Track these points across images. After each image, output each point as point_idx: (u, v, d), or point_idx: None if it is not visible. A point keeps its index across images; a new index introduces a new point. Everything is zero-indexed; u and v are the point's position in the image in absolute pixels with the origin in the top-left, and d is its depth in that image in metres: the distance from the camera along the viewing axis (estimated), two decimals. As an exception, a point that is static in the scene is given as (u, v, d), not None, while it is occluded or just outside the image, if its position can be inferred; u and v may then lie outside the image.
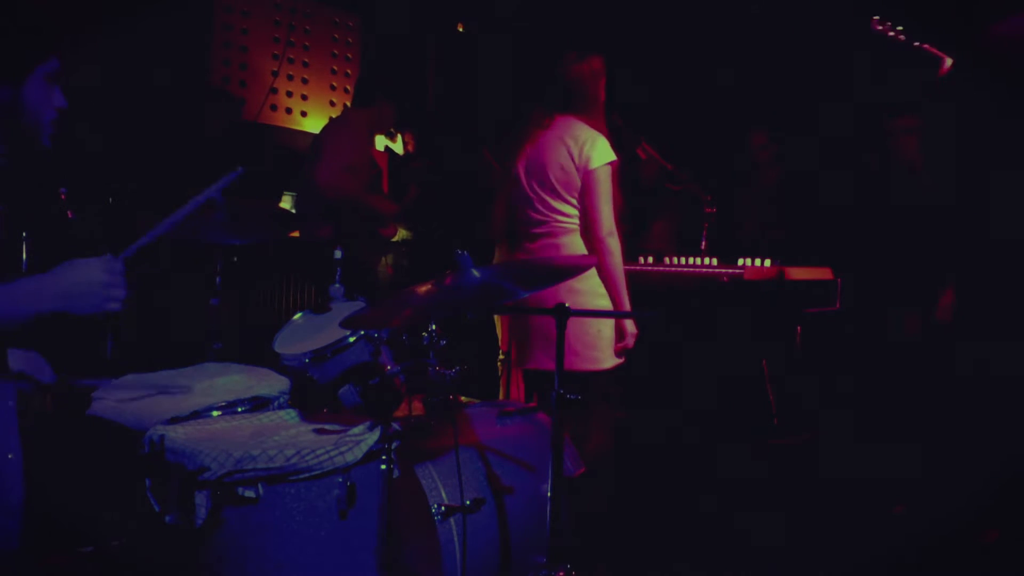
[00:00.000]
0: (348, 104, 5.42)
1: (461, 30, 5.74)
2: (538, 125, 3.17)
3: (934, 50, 2.66)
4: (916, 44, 2.66)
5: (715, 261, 3.78)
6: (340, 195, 4.12)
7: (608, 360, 3.08)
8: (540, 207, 3.10)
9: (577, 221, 3.10)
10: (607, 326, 3.08)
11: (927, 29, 2.70)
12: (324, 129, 4.40)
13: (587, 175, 3.03)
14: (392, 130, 5.31)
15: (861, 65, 3.99)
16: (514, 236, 3.23)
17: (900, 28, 2.67)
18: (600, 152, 3.04)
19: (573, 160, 3.04)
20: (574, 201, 3.07)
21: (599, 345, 3.05)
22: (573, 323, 2.99)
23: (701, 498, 3.46)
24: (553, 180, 3.06)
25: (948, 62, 2.65)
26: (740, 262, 3.68)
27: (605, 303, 3.06)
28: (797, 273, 3.71)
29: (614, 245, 3.06)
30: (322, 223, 4.13)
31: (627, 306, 3.10)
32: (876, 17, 2.68)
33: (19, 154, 1.69)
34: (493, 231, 3.41)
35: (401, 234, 5.12)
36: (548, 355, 3.08)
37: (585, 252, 3.09)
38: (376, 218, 4.35)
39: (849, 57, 4.35)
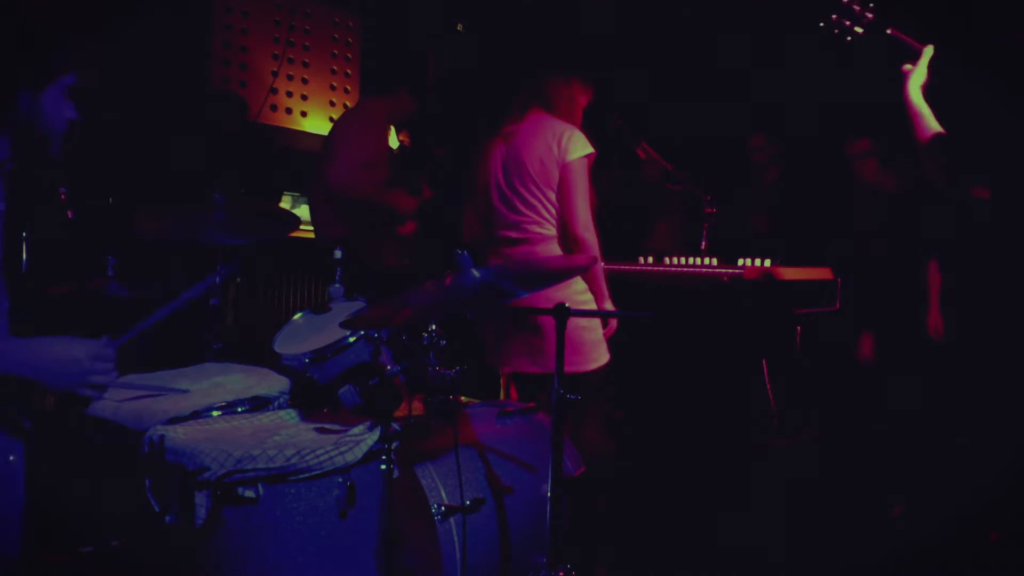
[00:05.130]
0: (348, 104, 5.41)
1: (461, 30, 5.74)
2: (513, 120, 3.12)
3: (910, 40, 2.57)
4: (888, 31, 2.56)
5: (715, 261, 3.78)
6: (356, 195, 3.92)
7: (591, 363, 3.05)
8: (519, 206, 3.05)
9: (555, 228, 3.05)
10: (588, 331, 3.05)
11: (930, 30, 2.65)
12: (340, 122, 4.16)
13: (565, 168, 2.99)
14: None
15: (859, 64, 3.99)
16: (490, 241, 3.16)
17: (871, 5, 2.56)
18: (577, 144, 3.00)
19: (552, 152, 2.99)
20: (551, 196, 3.02)
21: (580, 349, 3.02)
22: (554, 326, 2.98)
23: (701, 498, 3.46)
24: (532, 174, 3.01)
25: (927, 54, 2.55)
26: (740, 262, 3.67)
27: (587, 298, 3.04)
28: (797, 273, 3.70)
29: (592, 240, 3.02)
30: (335, 223, 4.01)
31: (607, 298, 3.09)
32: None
33: (30, 160, 1.71)
34: (465, 236, 3.31)
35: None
36: (528, 358, 3.05)
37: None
38: (394, 216, 4.16)
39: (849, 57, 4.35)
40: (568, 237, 3.03)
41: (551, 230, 3.06)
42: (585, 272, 3.01)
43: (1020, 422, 2.89)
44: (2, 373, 1.57)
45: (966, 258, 3.38)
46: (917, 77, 2.52)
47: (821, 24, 2.55)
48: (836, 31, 2.55)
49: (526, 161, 3.02)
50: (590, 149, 3.02)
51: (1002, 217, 2.57)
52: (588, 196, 3.02)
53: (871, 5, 2.53)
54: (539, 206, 3.03)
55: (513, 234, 3.08)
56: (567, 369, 2.96)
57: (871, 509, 3.40)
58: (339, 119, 4.26)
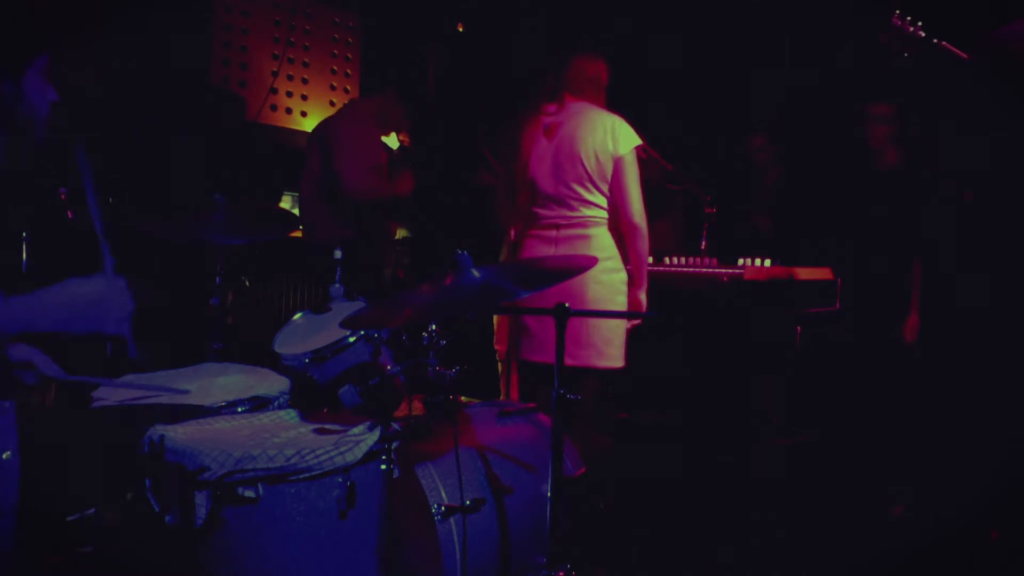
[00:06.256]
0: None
1: (461, 30, 5.73)
2: (549, 111, 3.14)
3: (953, 48, 2.65)
4: (935, 41, 2.65)
5: (715, 261, 3.78)
6: (372, 197, 3.95)
7: (622, 358, 3.12)
8: (569, 198, 3.08)
9: (606, 214, 3.10)
10: (623, 325, 3.12)
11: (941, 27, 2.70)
12: (334, 126, 4.11)
13: (619, 160, 3.04)
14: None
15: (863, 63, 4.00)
16: (533, 227, 3.19)
17: (920, 24, 2.65)
18: (628, 136, 3.06)
19: (607, 147, 3.03)
20: (605, 189, 3.07)
21: (616, 342, 3.09)
22: (596, 321, 3.03)
23: (701, 498, 3.46)
24: (588, 168, 3.05)
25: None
26: (740, 262, 3.68)
27: (623, 300, 3.08)
28: (797, 273, 3.71)
29: (645, 227, 3.09)
30: (329, 223, 4.00)
31: (645, 288, 3.15)
32: (897, 12, 2.66)
33: (17, 146, 1.71)
34: (502, 221, 3.37)
35: (401, 232, 5.07)
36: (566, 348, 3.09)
37: (612, 247, 3.09)
38: (395, 204, 4.16)
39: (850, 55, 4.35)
40: (623, 224, 3.09)
41: (604, 218, 3.11)
42: (583, 272, 3.01)
43: (1020, 422, 2.89)
44: (31, 332, 1.50)
45: (955, 257, 3.39)
46: None
47: (876, 44, 2.63)
48: (892, 48, 2.62)
49: (581, 157, 3.06)
50: (638, 139, 3.09)
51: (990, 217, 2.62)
52: (640, 184, 3.08)
53: (919, 24, 2.60)
54: (595, 197, 3.08)
55: (565, 223, 3.11)
56: (605, 363, 3.03)
57: (871, 509, 3.39)
58: (330, 122, 4.20)
